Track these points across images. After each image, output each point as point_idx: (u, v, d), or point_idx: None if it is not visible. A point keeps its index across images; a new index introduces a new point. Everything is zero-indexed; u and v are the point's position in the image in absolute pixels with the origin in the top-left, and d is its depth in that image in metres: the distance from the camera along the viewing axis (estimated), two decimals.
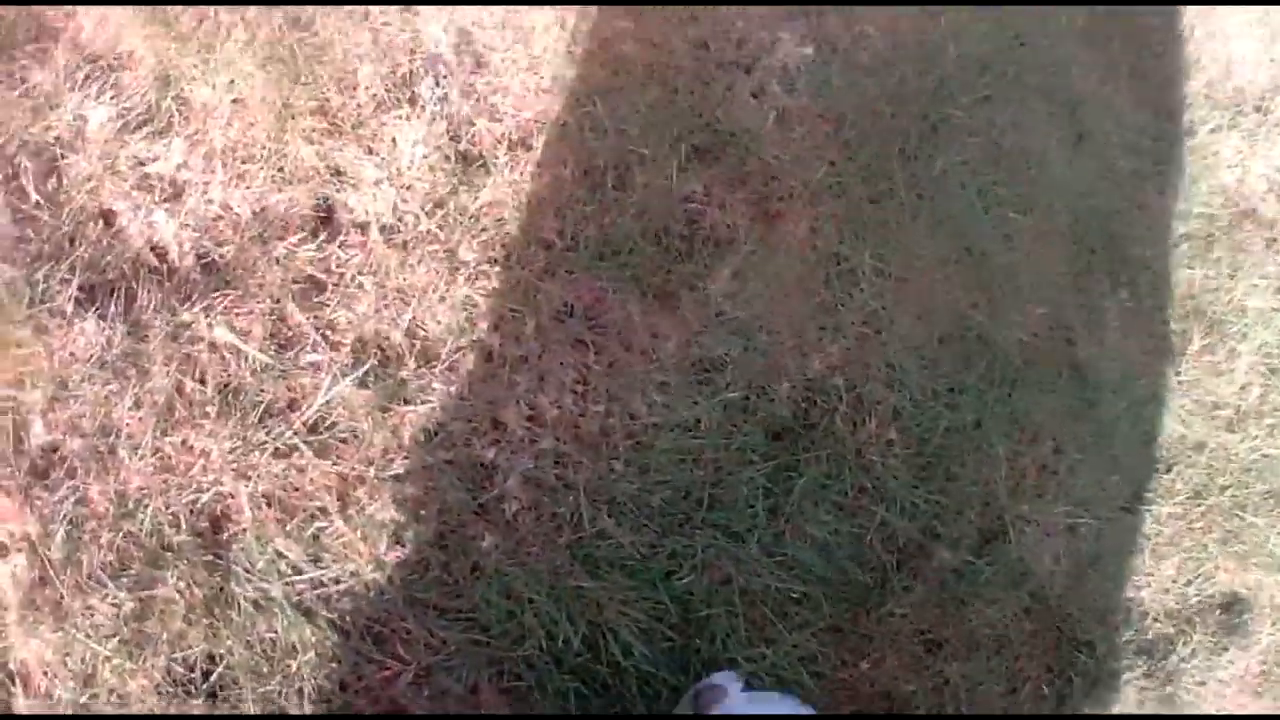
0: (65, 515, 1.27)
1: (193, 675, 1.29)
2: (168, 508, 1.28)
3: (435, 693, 1.28)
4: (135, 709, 1.28)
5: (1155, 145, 1.61)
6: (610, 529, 1.25)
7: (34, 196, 1.32)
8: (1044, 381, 1.40)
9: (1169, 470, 1.54)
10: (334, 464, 1.27)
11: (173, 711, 1.30)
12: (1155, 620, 1.58)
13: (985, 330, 1.36)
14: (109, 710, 1.27)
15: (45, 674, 1.27)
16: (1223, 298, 1.58)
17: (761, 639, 1.28)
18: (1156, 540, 1.53)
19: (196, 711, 1.29)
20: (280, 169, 1.31)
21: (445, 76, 1.35)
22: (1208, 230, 1.62)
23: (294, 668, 1.27)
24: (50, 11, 1.33)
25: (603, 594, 1.25)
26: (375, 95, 1.33)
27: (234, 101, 1.32)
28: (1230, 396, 1.60)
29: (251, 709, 1.28)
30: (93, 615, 1.26)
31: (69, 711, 1.31)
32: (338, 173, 1.32)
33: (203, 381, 1.29)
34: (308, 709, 1.29)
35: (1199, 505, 1.56)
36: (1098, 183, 1.52)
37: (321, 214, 1.32)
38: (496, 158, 1.31)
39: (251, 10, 1.33)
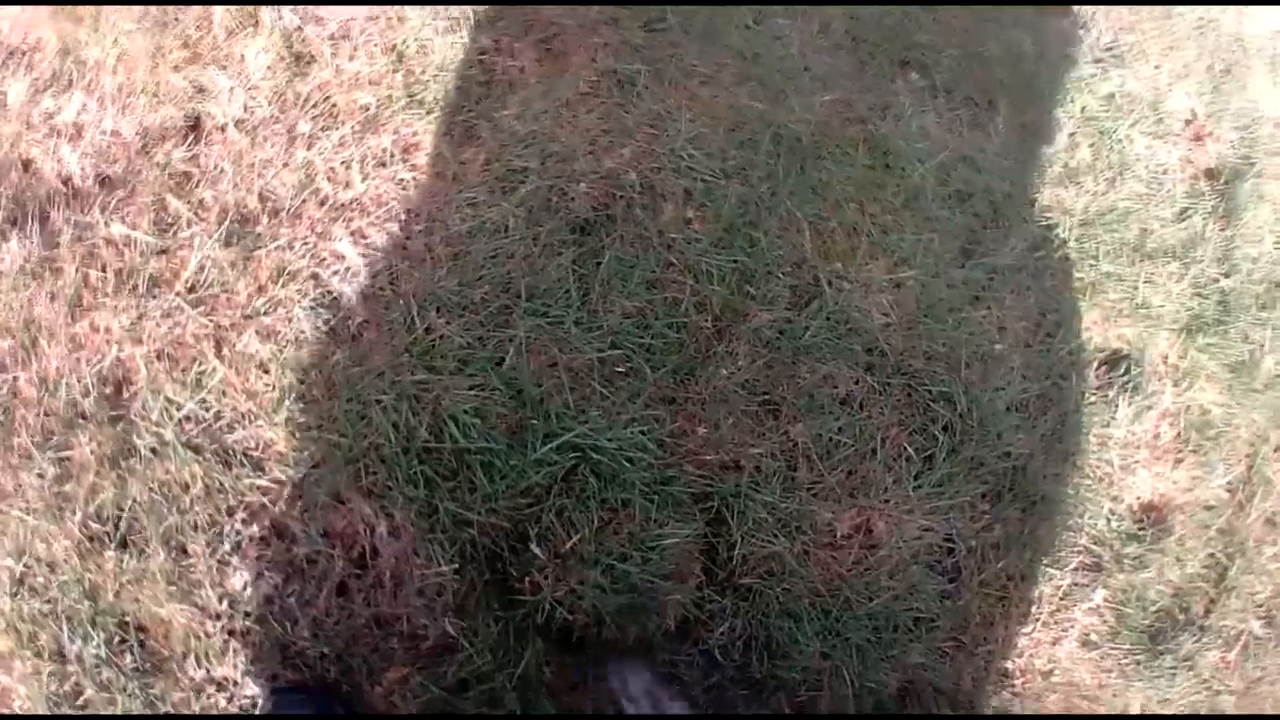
0: (1, 407, 1.41)
1: (106, 528, 1.39)
2: (80, 381, 1.43)
3: (309, 505, 1.34)
4: (60, 571, 1.38)
5: None
6: (440, 326, 1.33)
7: None
8: (838, 155, 1.44)
9: (998, 226, 1.48)
10: (208, 315, 1.38)
11: (90, 564, 1.37)
12: (1024, 377, 1.51)
13: (770, 118, 1.42)
14: (39, 578, 1.35)
15: None
16: (1027, 69, 1.56)
17: (594, 410, 1.30)
18: (997, 291, 1.46)
19: (109, 560, 1.36)
20: (156, 96, 1.52)
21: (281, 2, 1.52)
22: (1000, 16, 1.62)
23: (187, 502, 1.35)
24: None
25: (440, 385, 1.31)
26: (227, 26, 1.52)
27: (119, 54, 1.53)
28: (1055, 155, 1.58)
29: (157, 549, 1.36)
30: (23, 490, 1.39)
31: (10, 587, 1.39)
32: (201, 90, 1.52)
33: (103, 270, 1.44)
34: (201, 541, 1.36)
35: (1038, 256, 1.51)
36: None
37: (190, 123, 1.50)
38: (322, 51, 1.46)
39: None
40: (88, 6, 1.63)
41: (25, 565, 1.41)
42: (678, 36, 1.53)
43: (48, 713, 1.33)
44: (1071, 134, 1.67)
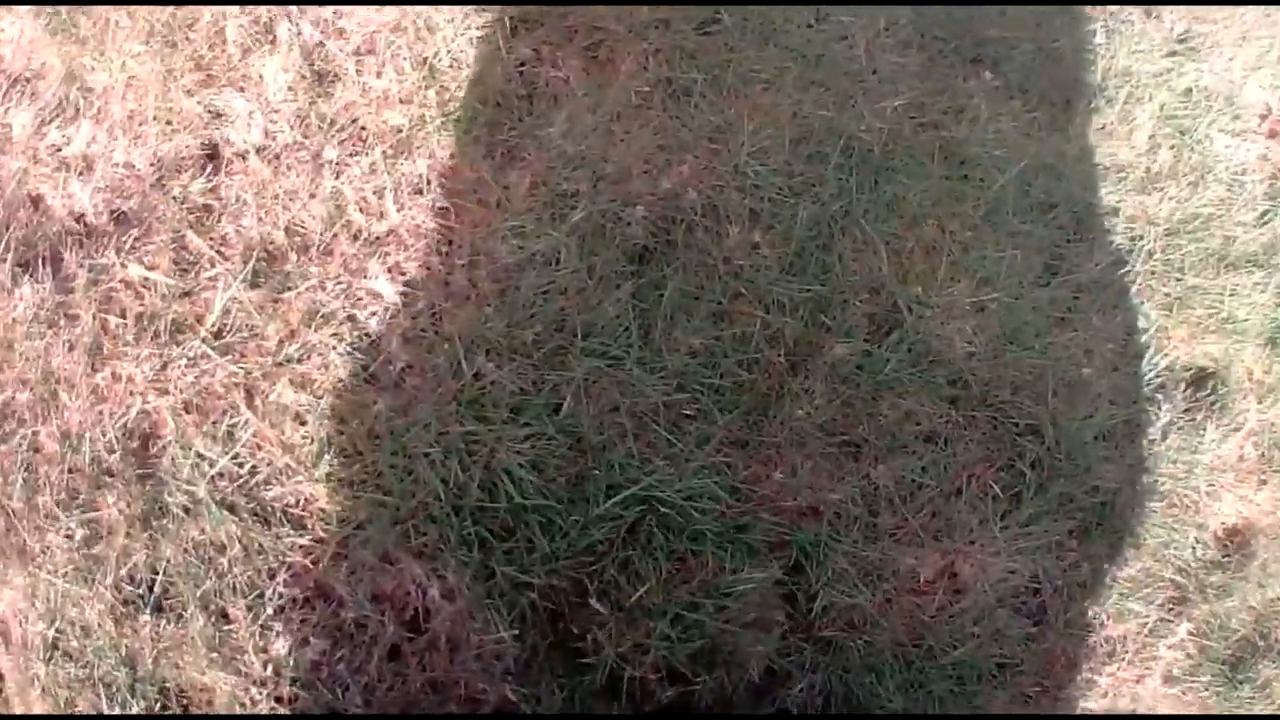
0: (21, 463, 1.23)
1: (139, 591, 1.23)
2: (104, 435, 1.26)
3: (355, 566, 1.17)
4: (95, 635, 1.22)
5: None
6: (489, 372, 1.15)
7: None
8: (912, 166, 1.24)
9: (1081, 239, 1.27)
10: (237, 362, 1.20)
11: (126, 629, 1.20)
12: (1111, 402, 1.31)
13: (837, 126, 1.22)
14: (73, 642, 1.19)
15: (19, 621, 1.22)
16: (1102, 65, 1.36)
17: (659, 459, 1.11)
18: (1083, 311, 1.26)
19: (144, 627, 1.19)
20: (169, 123, 1.33)
21: (298, 15, 1.30)
22: (1073, 8, 1.39)
23: (225, 564, 1.17)
24: None
25: (492, 437, 1.13)
26: (241, 44, 1.32)
27: (128, 79, 1.33)
28: (1137, 159, 1.38)
29: (196, 614, 1.18)
30: (50, 551, 1.22)
31: (44, 652, 1.23)
32: (217, 115, 1.33)
33: (123, 315, 1.26)
34: (241, 604, 1.18)
35: (1124, 271, 1.29)
36: None
37: (208, 152, 1.31)
38: (346, 68, 1.24)
39: None
40: (92, 28, 1.41)
41: (58, 630, 1.26)
42: (734, 39, 1.32)
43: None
44: (1151, 135, 1.46)
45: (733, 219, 1.23)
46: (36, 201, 1.40)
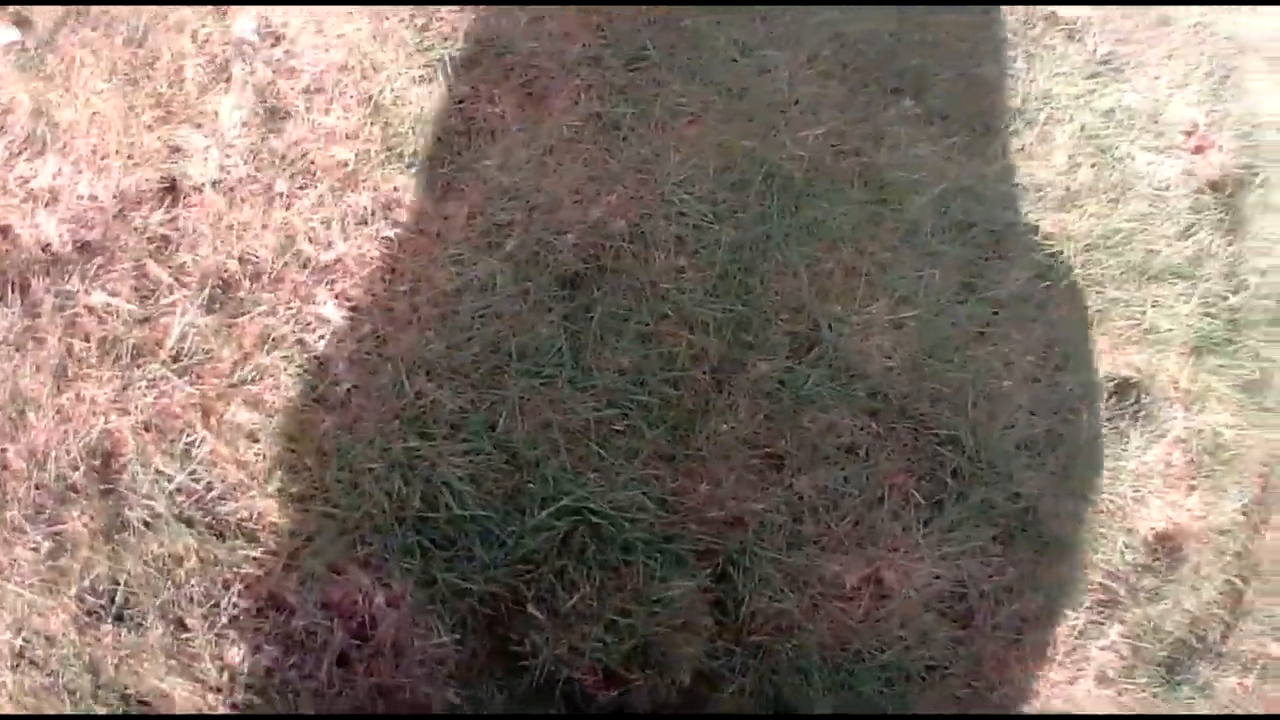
0: None
1: (102, 602, 1.31)
2: (69, 454, 1.33)
3: (305, 576, 1.25)
4: (59, 645, 1.29)
5: None
6: (430, 391, 1.23)
7: None
8: (832, 193, 1.32)
9: (1000, 257, 1.35)
10: (194, 384, 1.28)
11: (89, 638, 1.28)
12: (1031, 413, 1.40)
13: (759, 155, 1.30)
14: (39, 650, 1.27)
15: None
16: (1021, 89, 1.44)
17: (591, 471, 1.18)
18: (1002, 325, 1.33)
19: (106, 636, 1.27)
20: (130, 157, 1.42)
21: (252, 55, 1.39)
22: (994, 35, 1.47)
23: (182, 576, 1.25)
24: None
25: (432, 452, 1.22)
26: (199, 83, 1.43)
27: (92, 115, 1.42)
28: (1057, 178, 1.46)
29: (155, 623, 1.26)
30: (17, 564, 1.29)
31: (10, 660, 1.30)
32: (176, 149, 1.42)
33: (87, 339, 1.34)
34: (197, 614, 1.25)
35: (1044, 284, 1.37)
36: (861, 10, 1.41)
37: (166, 185, 1.41)
38: (296, 105, 1.33)
39: (97, 40, 1.43)
40: (59, 65, 1.50)
41: (24, 639, 1.34)
42: (662, 74, 1.41)
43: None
44: (1071, 155, 1.54)
45: (659, 245, 1.31)
46: (5, 231, 1.49)
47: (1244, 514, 1.59)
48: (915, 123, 1.45)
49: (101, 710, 1.31)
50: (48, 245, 1.47)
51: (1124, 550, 1.50)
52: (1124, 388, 1.52)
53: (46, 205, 1.48)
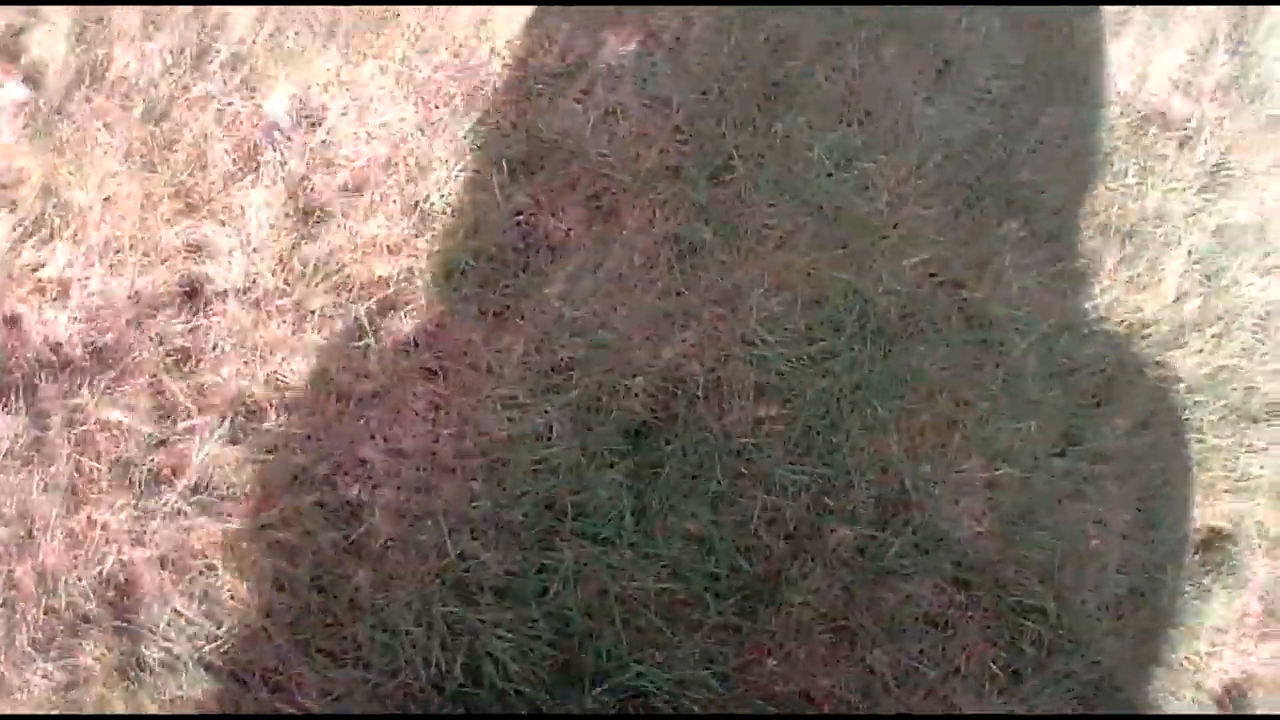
0: (1, 600, 1.11)
1: None
2: (80, 581, 1.17)
3: None
4: None
5: (1034, 62, 1.25)
6: (475, 551, 1.05)
7: None
8: (929, 333, 1.11)
9: (1101, 404, 1.14)
10: (216, 521, 1.08)
11: None
12: (1118, 572, 1.18)
13: (852, 290, 1.06)
14: None
15: None
16: (1133, 208, 1.25)
17: (650, 646, 0.99)
18: (1099, 480, 1.13)
19: None
20: (147, 254, 1.22)
21: (284, 142, 1.15)
22: (1107, 142, 1.24)
23: None
24: None
25: (475, 619, 1.05)
26: (224, 171, 1.23)
27: (105, 199, 1.22)
28: (1164, 312, 1.25)
29: None
30: (29, 689, 1.11)
31: None
32: (197, 248, 1.22)
33: (98, 459, 1.15)
34: None
35: (1145, 435, 1.17)
36: (968, 113, 1.22)
37: (186, 288, 1.24)
38: (333, 207, 1.10)
39: (113, 110, 1.18)
40: (72, 135, 1.27)
41: None
42: (747, 190, 1.20)
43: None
44: (1180, 284, 1.32)
45: (737, 393, 1.11)
46: (13, 323, 1.29)
47: None
48: (1022, 248, 1.24)
49: None
50: (58, 345, 1.27)
51: (1192, 704, 1.34)
52: (1211, 540, 1.34)
53: (56, 299, 1.28)
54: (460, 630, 1.15)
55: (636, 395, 1.16)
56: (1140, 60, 1.48)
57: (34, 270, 1.36)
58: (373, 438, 1.19)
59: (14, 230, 1.36)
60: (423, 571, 1.16)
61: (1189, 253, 1.44)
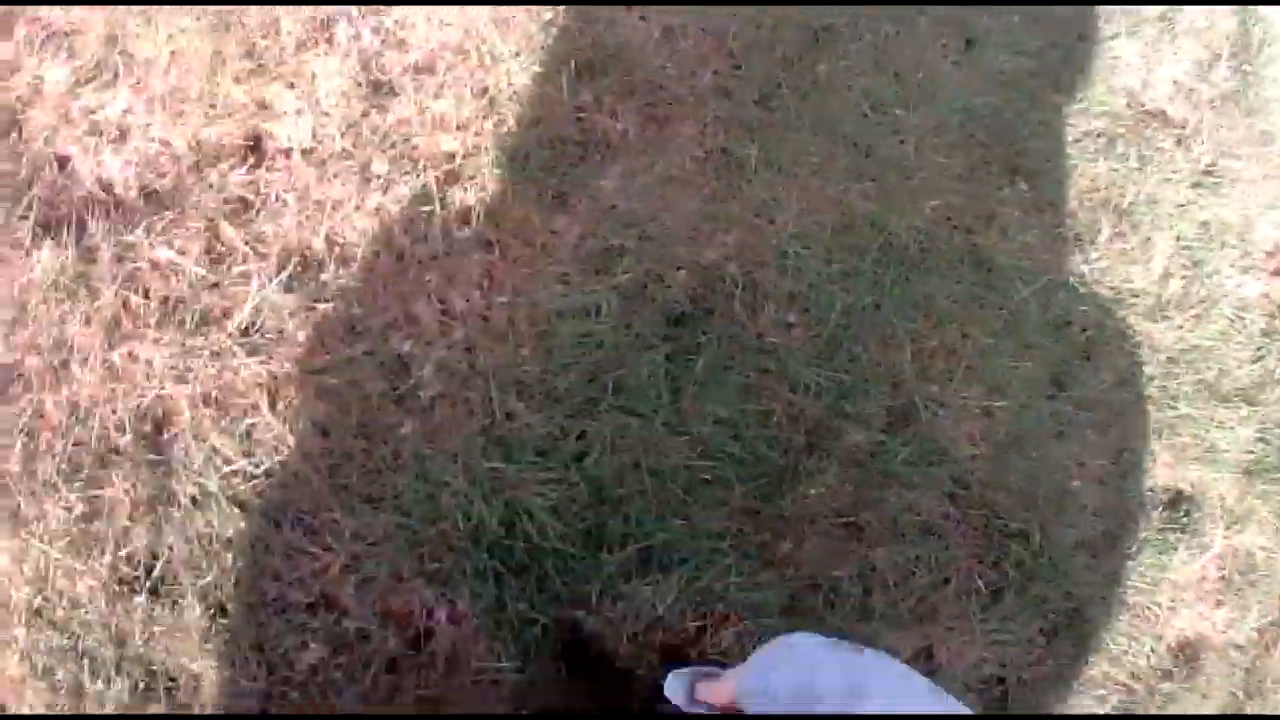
0: (23, 428, 1.38)
1: (136, 573, 1.38)
2: (115, 414, 1.41)
3: (364, 580, 1.35)
4: (84, 609, 1.36)
5: (1049, 50, 1.70)
6: (520, 412, 1.35)
7: None
8: (943, 268, 1.49)
9: (1089, 358, 1.56)
10: (264, 363, 1.38)
11: (118, 609, 1.37)
12: (1095, 515, 1.60)
13: (878, 220, 1.47)
14: (59, 612, 1.34)
15: (4, 579, 1.35)
16: (1131, 190, 1.66)
17: (675, 516, 1.34)
18: (1081, 427, 1.55)
19: (138, 607, 1.36)
20: (213, 106, 1.49)
21: (358, 18, 1.49)
22: (1111, 128, 1.71)
23: (229, 560, 1.35)
24: None
25: (516, 475, 1.34)
26: (296, 38, 1.50)
27: (172, 53, 1.48)
28: (1150, 285, 1.66)
29: (193, 603, 1.36)
30: (46, 520, 1.37)
31: (25, 616, 1.38)
32: (264, 106, 1.49)
33: (146, 296, 1.43)
34: (241, 600, 1.36)
35: (1126, 393, 1.59)
36: (988, 84, 1.63)
37: (250, 143, 1.49)
38: (404, 83, 1.44)
39: None
40: None
41: (45, 597, 1.40)
42: (792, 117, 1.57)
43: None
44: (1166, 265, 1.76)
45: (770, 298, 1.47)
46: (64, 162, 1.53)
47: (1259, 632, 1.86)
48: (1027, 207, 1.65)
49: (125, 681, 1.38)
50: (110, 186, 1.52)
51: (1150, 654, 1.74)
52: (1177, 500, 1.76)
53: (113, 142, 1.53)
54: (500, 486, 1.35)
55: (679, 287, 1.41)
56: (1148, 63, 1.94)
57: (91, 113, 1.62)
58: (428, 298, 1.48)
59: (72, 74, 1.54)
60: (468, 427, 1.43)
61: (1177, 238, 1.89)
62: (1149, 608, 1.72)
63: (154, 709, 1.38)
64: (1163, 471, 1.72)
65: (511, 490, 1.37)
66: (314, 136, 1.52)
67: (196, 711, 1.39)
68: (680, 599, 1.36)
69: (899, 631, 1.50)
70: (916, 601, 1.51)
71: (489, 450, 1.38)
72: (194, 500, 1.39)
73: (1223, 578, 1.80)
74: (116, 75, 1.55)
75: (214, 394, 1.42)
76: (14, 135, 1.53)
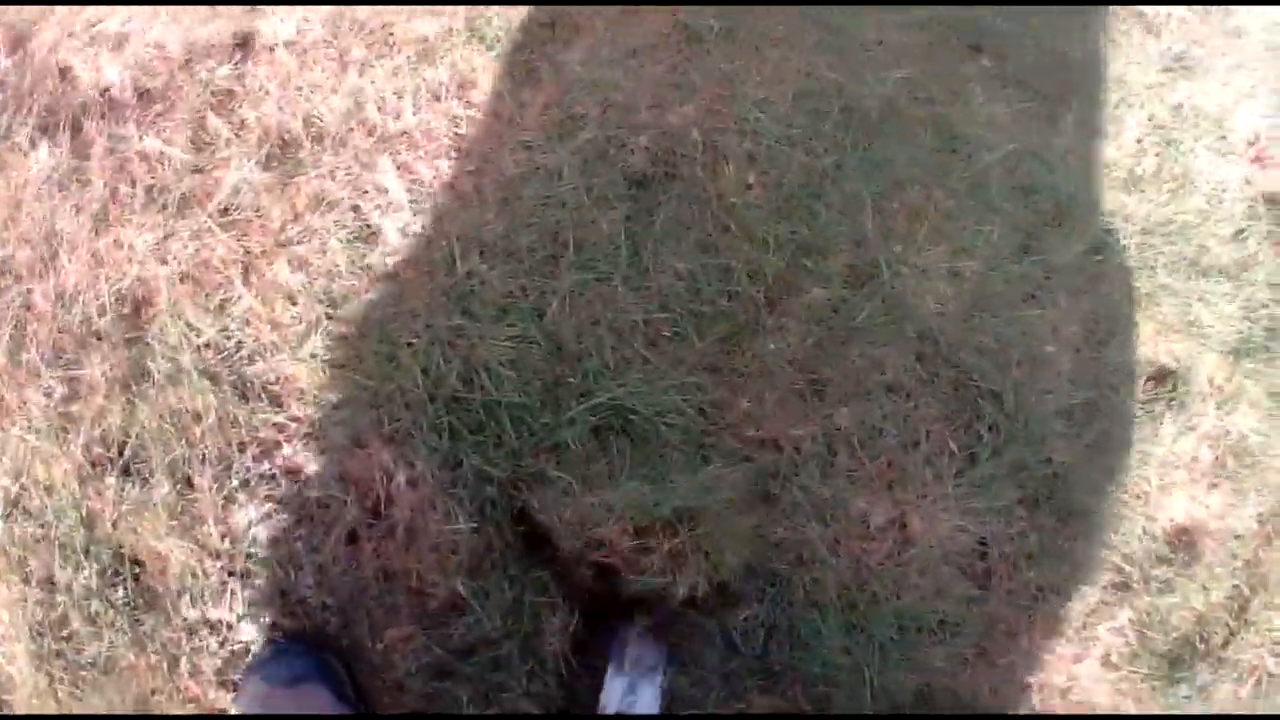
0: (12, 319, 1.27)
1: (109, 454, 1.27)
2: (98, 299, 1.28)
3: (326, 446, 1.21)
4: (58, 495, 1.25)
5: None
6: (482, 271, 1.20)
7: (4, 64, 1.39)
8: (905, 133, 1.31)
9: (1059, 225, 1.34)
10: (239, 239, 1.25)
11: (90, 491, 1.23)
12: (1070, 381, 1.38)
13: (840, 88, 1.27)
14: (35, 500, 1.24)
15: None
16: (1098, 69, 1.43)
17: (635, 372, 1.16)
18: (1053, 291, 1.32)
19: (109, 488, 1.22)
20: (209, 9, 1.34)
21: None
22: (1075, 12, 1.47)
23: (198, 433, 1.21)
24: None
25: (476, 332, 1.18)
26: None
27: None
28: (1123, 158, 1.45)
29: (161, 480, 1.23)
30: (27, 408, 1.26)
31: (3, 507, 1.25)
32: (255, 8, 1.34)
33: (133, 184, 1.31)
34: (208, 474, 1.22)
35: (1097, 260, 1.38)
36: None
37: (239, 40, 1.37)
38: None
39: None
40: None
41: (21, 487, 1.30)
42: None
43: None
44: (1138, 140, 1.54)
45: (730, 159, 1.30)
46: (64, 72, 1.46)
47: (1259, 522, 1.58)
48: (992, 83, 1.45)
49: (92, 566, 1.26)
50: (107, 89, 1.44)
51: (1143, 536, 1.48)
52: (1163, 374, 1.51)
53: (112, 50, 1.45)
54: (460, 343, 1.22)
55: (640, 151, 1.29)
56: None
57: (92, 25, 1.55)
58: (398, 169, 1.36)
59: None
60: (431, 287, 1.30)
61: (1150, 118, 1.66)
62: (1137, 484, 1.47)
63: (119, 593, 1.24)
64: (1145, 344, 1.48)
65: (470, 346, 1.21)
66: (298, 31, 1.40)
67: (161, 591, 1.24)
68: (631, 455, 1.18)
69: (868, 496, 1.29)
70: (886, 464, 1.30)
71: (451, 309, 1.24)
72: (168, 377, 1.28)
73: (1216, 460, 1.55)
74: None
75: (192, 273, 1.31)
76: (20, 51, 1.45)
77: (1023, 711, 1.41)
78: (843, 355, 1.28)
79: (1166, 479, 1.50)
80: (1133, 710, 1.46)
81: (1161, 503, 1.51)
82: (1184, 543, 1.55)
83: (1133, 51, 1.61)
